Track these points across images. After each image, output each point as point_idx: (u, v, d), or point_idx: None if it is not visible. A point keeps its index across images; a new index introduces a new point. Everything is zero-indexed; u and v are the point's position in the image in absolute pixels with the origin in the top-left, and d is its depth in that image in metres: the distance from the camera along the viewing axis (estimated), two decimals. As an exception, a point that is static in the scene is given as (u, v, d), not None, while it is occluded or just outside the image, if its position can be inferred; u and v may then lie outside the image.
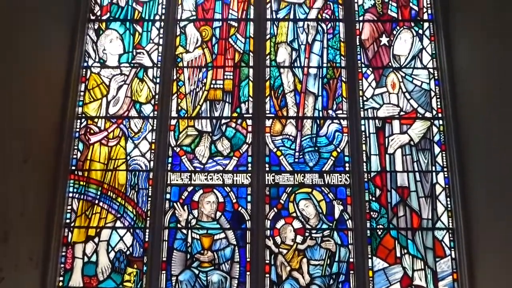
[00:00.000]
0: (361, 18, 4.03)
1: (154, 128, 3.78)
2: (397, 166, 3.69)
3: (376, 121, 3.78)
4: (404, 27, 4.02)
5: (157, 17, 4.04)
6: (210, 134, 3.78)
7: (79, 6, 4.02)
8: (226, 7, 4.07)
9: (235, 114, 3.81)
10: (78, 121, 3.85)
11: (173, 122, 3.81)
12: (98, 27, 4.06)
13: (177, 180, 3.68)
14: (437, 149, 3.72)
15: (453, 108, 3.74)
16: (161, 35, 3.99)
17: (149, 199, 3.63)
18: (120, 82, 3.91)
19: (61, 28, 3.93)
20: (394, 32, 4.00)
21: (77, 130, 3.83)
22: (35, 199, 3.44)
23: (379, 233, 3.57)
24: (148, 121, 3.81)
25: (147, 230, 3.58)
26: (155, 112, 3.81)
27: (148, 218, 3.60)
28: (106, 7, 4.10)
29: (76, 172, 3.73)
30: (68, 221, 3.63)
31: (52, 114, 3.75)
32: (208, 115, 3.82)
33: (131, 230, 3.61)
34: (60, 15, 3.93)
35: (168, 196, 3.65)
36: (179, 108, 3.84)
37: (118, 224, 3.63)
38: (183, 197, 3.65)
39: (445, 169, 3.67)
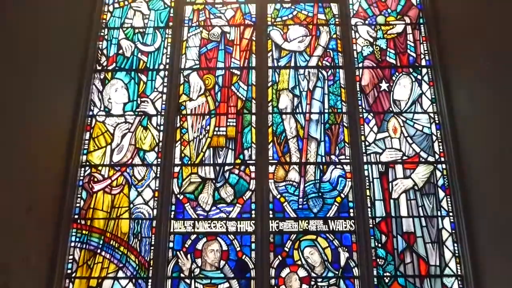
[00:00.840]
0: (360, 65, 4.14)
1: (158, 175, 3.80)
2: (402, 211, 3.67)
3: (379, 166, 3.80)
4: (403, 73, 4.12)
5: (162, 67, 4.17)
6: (214, 181, 3.79)
7: (86, 57, 4.16)
8: (229, 56, 4.20)
9: (238, 161, 3.84)
10: (82, 169, 3.88)
11: (177, 169, 3.84)
12: (104, 77, 4.17)
13: (180, 228, 3.66)
14: (441, 194, 3.71)
15: (456, 152, 3.76)
16: (165, 84, 4.09)
17: (152, 248, 3.60)
18: (124, 130, 3.98)
19: (68, 78, 4.05)
20: (394, 78, 4.10)
21: (81, 178, 3.86)
22: (37, 249, 3.43)
23: (386, 281, 3.50)
24: (152, 168, 3.84)
25: (150, 280, 3.52)
26: (159, 160, 3.85)
27: (151, 268, 3.55)
28: (112, 58, 4.23)
29: (78, 221, 3.72)
30: (69, 271, 3.58)
31: (57, 162, 3.79)
32: (212, 162, 3.85)
33: (134, 280, 3.55)
34: (68, 66, 4.05)
35: (171, 244, 3.62)
36: (183, 155, 3.88)
37: (120, 274, 3.58)
38: (186, 245, 3.62)
39: (451, 214, 3.64)
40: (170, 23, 4.31)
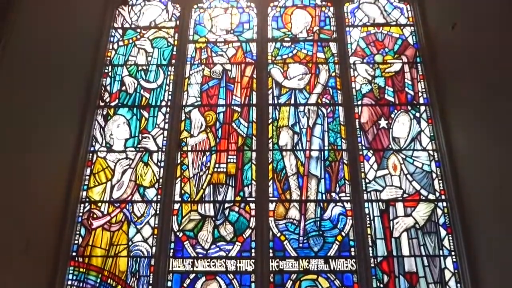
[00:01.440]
0: (359, 102, 4.21)
1: (157, 212, 3.79)
2: (403, 250, 3.64)
3: (380, 203, 3.79)
4: (402, 110, 4.18)
5: (164, 103, 4.24)
6: (213, 219, 3.78)
7: (90, 93, 4.24)
8: (230, 93, 4.27)
9: (238, 198, 3.83)
10: (82, 205, 3.88)
11: (176, 206, 3.83)
12: (106, 113, 4.23)
13: (179, 267, 3.61)
14: (443, 232, 3.69)
15: (456, 190, 3.77)
16: (166, 120, 4.15)
17: (150, 287, 3.54)
18: (125, 166, 4.00)
19: (71, 114, 4.11)
20: (392, 115, 4.15)
21: (80, 214, 3.84)
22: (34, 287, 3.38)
23: (390, 323, 3.43)
24: (151, 205, 3.83)
25: (147, 322, 3.45)
26: (159, 196, 3.85)
27: (148, 307, 3.48)
28: (115, 94, 4.31)
29: (76, 259, 3.68)
30: (65, 311, 3.52)
31: (56, 198, 3.79)
32: (211, 199, 3.85)
33: (131, 321, 3.48)
34: (71, 102, 4.13)
35: (169, 284, 3.56)
36: (183, 192, 3.88)
37: (117, 314, 3.51)
38: (185, 284, 3.57)
39: (453, 253, 3.61)
40: (173, 61, 4.42)
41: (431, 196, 3.82)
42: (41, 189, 3.60)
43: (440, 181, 3.87)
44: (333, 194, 3.84)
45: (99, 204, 3.88)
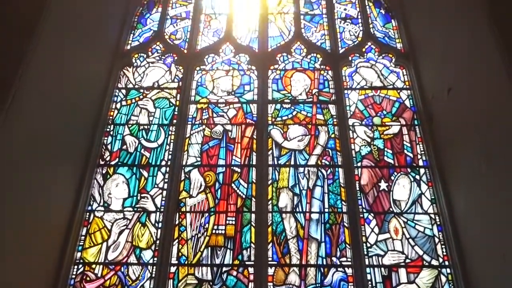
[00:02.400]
0: (359, 164, 4.25)
1: (153, 275, 3.70)
2: (408, 319, 3.53)
3: (382, 269, 3.72)
4: (401, 172, 4.21)
5: (164, 163, 4.27)
6: (211, 283, 3.68)
7: (91, 152, 4.29)
8: (230, 153, 4.33)
9: (236, 262, 3.77)
10: (75, 267, 3.79)
11: (173, 269, 3.75)
12: (106, 172, 4.26)
13: (173, 335, 3.48)
14: (448, 302, 3.59)
15: (459, 255, 3.71)
16: (166, 180, 4.16)
17: None
18: (122, 226, 3.96)
19: (71, 172, 4.12)
20: (392, 178, 4.18)
21: (73, 277, 3.75)
22: None
23: None
24: (147, 268, 3.75)
25: None
26: (155, 259, 3.78)
27: None
28: (116, 153, 4.36)
29: (66, 326, 3.55)
30: None
31: (50, 258, 3.72)
32: (209, 262, 3.78)
33: None
34: (72, 160, 4.16)
35: None
36: (180, 254, 3.82)
37: None
38: None
39: (459, 324, 3.49)
40: (174, 121, 4.52)
41: (434, 262, 3.76)
42: (35, 249, 3.54)
43: (443, 246, 3.82)
44: (334, 259, 3.77)
45: (93, 266, 3.79)
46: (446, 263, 3.75)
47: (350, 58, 4.95)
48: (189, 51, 5.03)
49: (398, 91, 4.74)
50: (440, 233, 3.89)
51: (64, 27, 4.24)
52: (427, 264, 3.75)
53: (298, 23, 5.23)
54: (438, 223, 3.93)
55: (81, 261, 3.83)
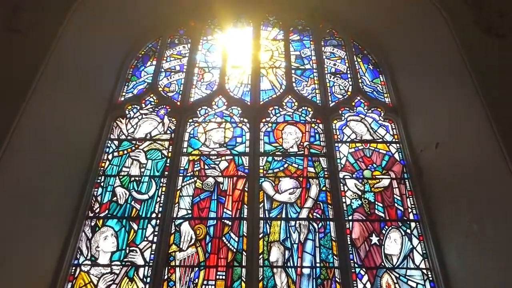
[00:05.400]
0: (350, 218, 4.38)
1: (140, 334, 3.69)
2: None
3: (375, 327, 3.76)
4: (392, 226, 4.34)
5: (154, 215, 4.36)
6: None
7: (80, 203, 4.37)
8: (221, 206, 4.45)
9: (226, 320, 3.79)
10: (58, 326, 3.78)
11: (161, 328, 3.75)
12: (95, 224, 4.33)
13: None
14: None
15: (454, 313, 3.78)
16: (156, 233, 4.24)
17: None
18: (109, 281, 3.98)
19: (58, 224, 4.18)
20: (383, 231, 4.30)
21: None
22: None
23: None
24: (135, 326, 3.75)
25: None
26: (142, 317, 3.79)
27: None
28: (106, 205, 4.45)
29: None
30: None
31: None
32: (198, 321, 3.79)
33: None
34: (60, 211, 4.23)
35: None
36: (168, 311, 3.84)
37: None
38: None
39: None
40: (166, 172, 4.66)
41: (428, 320, 3.82)
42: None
43: (438, 304, 3.90)
44: (326, 317, 3.82)
45: (78, 324, 3.79)
46: (441, 322, 3.80)
47: (340, 112, 5.23)
48: (182, 103, 5.28)
49: (388, 144, 4.98)
50: (433, 289, 3.97)
51: (60, 79, 4.48)
52: (421, 322, 3.80)
53: (290, 77, 5.56)
54: (431, 278, 4.02)
55: (65, 320, 3.81)
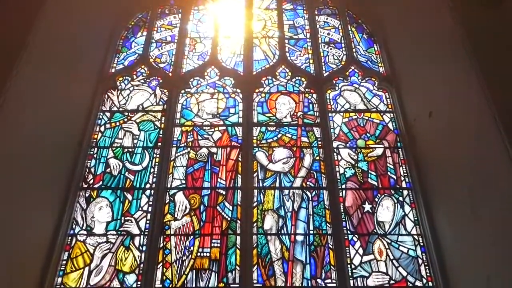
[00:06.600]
0: (343, 186, 4.49)
1: (136, 301, 3.83)
2: None
3: (367, 290, 3.92)
4: (385, 194, 4.47)
5: (148, 186, 4.45)
6: (196, 307, 3.83)
7: (74, 175, 4.45)
8: (215, 176, 4.54)
9: (221, 285, 3.92)
10: (55, 293, 3.90)
11: (157, 293, 3.88)
12: (89, 195, 4.41)
13: None
14: (431, 322, 3.79)
15: (443, 276, 3.93)
16: (150, 203, 4.33)
17: None
18: (105, 250, 4.09)
19: (52, 195, 4.26)
20: (376, 199, 4.43)
21: (52, 305, 3.85)
22: None
23: None
24: (130, 293, 3.88)
25: None
26: (139, 283, 3.91)
27: None
28: (100, 176, 4.53)
29: None
30: None
31: (28, 285, 3.81)
32: (194, 285, 3.92)
33: None
34: (54, 182, 4.30)
35: None
36: (164, 277, 3.96)
37: None
38: None
39: None
40: (159, 144, 4.72)
41: (418, 283, 3.97)
42: (14, 273, 3.64)
43: (427, 267, 4.05)
44: (319, 280, 3.96)
45: (74, 292, 3.91)
46: (430, 284, 3.96)
47: (334, 82, 5.29)
48: (174, 74, 5.30)
49: (381, 114, 5.06)
50: (423, 254, 4.12)
51: (49, 51, 4.47)
52: (411, 285, 3.96)
53: (283, 47, 5.58)
54: (422, 244, 4.17)
55: (62, 286, 3.93)
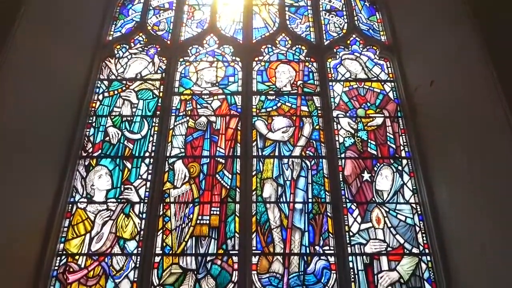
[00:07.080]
0: (342, 155, 4.52)
1: (137, 265, 3.91)
2: (389, 306, 3.81)
3: (364, 257, 4.00)
4: (384, 163, 4.50)
5: (147, 154, 4.48)
6: (195, 272, 3.91)
7: (73, 143, 4.47)
8: (214, 144, 4.56)
9: (221, 251, 4.00)
10: (58, 258, 3.98)
11: (157, 259, 3.97)
12: (88, 163, 4.45)
13: (158, 323, 3.70)
14: (428, 287, 3.88)
15: (440, 244, 4.00)
16: (149, 171, 4.37)
17: None
18: (105, 217, 4.16)
19: (52, 164, 4.29)
20: (375, 168, 4.46)
21: (56, 268, 3.94)
22: None
23: None
24: (132, 258, 3.96)
25: None
26: (139, 249, 3.99)
27: None
28: (98, 145, 4.55)
29: (49, 317, 3.73)
30: None
31: (31, 250, 3.89)
32: (194, 252, 4.00)
33: None
34: (53, 151, 4.32)
35: None
36: (164, 244, 4.04)
37: None
38: None
39: (438, 309, 3.79)
40: (158, 112, 4.73)
41: (415, 250, 4.05)
42: (16, 240, 3.71)
43: (424, 235, 4.12)
44: (317, 247, 4.04)
45: (77, 257, 3.99)
46: (426, 251, 4.04)
47: (334, 50, 5.23)
48: (173, 42, 5.25)
49: (382, 83, 5.03)
50: (421, 222, 4.18)
51: (44, 18, 4.42)
52: (408, 252, 4.04)
53: (283, 15, 5.50)
54: (419, 212, 4.23)
55: (64, 252, 4.01)
